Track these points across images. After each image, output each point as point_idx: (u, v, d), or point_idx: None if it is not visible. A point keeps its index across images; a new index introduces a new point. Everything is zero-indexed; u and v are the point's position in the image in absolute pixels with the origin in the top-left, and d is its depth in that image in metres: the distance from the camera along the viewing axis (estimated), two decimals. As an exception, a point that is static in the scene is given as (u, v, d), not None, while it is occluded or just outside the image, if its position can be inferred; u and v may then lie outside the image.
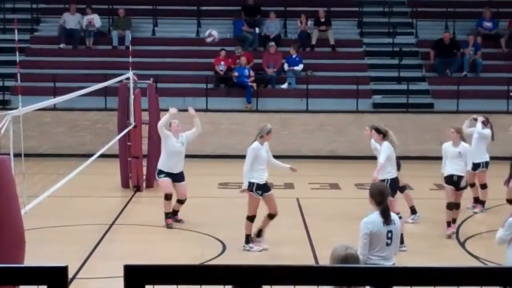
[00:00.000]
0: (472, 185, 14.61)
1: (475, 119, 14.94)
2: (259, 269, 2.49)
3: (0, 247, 7.15)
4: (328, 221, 14.42)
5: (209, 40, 13.81)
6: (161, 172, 13.71)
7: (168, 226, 13.49)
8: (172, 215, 13.67)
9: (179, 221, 13.83)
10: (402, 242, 12.01)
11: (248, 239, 12.18)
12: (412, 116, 21.86)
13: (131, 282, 2.43)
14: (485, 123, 14.80)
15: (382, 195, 7.76)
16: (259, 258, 11.63)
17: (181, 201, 13.82)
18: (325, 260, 11.01)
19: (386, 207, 7.75)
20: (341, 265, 4.61)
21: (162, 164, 13.69)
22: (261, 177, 12.24)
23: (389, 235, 7.70)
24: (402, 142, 21.09)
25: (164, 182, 13.67)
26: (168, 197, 13.58)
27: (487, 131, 14.74)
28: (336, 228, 13.92)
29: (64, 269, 2.43)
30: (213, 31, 14.54)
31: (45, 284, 2.44)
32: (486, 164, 14.67)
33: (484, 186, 14.79)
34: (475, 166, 14.17)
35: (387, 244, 7.70)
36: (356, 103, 21.86)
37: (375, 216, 7.72)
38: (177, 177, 13.70)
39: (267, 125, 12.58)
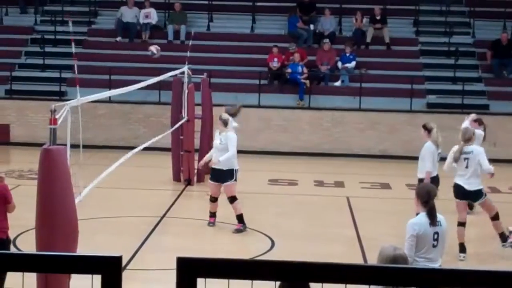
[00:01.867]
0: None
1: (475, 121, 14.75)
2: (308, 266, 2.50)
3: (54, 236, 7.29)
4: (378, 221, 14.34)
5: (150, 54, 13.52)
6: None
7: (210, 224, 13.39)
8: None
9: (211, 223, 13.42)
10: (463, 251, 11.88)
11: None
12: (466, 117, 21.58)
13: (183, 274, 2.46)
14: (479, 124, 14.58)
15: (429, 195, 7.69)
16: (308, 256, 11.62)
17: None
18: (373, 260, 10.98)
19: (432, 208, 7.67)
20: (392, 265, 4.59)
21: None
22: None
23: (436, 236, 7.62)
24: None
25: (209, 185, 13.48)
26: (212, 199, 13.37)
27: (479, 132, 14.57)
28: (386, 228, 13.83)
29: (118, 259, 2.47)
30: (153, 47, 14.07)
31: (99, 273, 2.49)
32: None
33: None
34: None
35: (434, 246, 7.61)
36: (410, 103, 21.68)
37: (422, 217, 7.65)
38: (219, 176, 13.16)
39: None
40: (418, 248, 7.59)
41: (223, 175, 13.05)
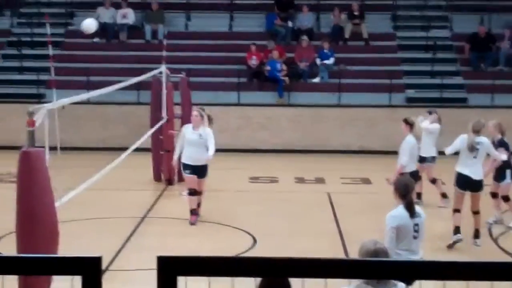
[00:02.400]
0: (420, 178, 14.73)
1: (430, 113, 14.94)
2: (290, 262, 2.50)
3: (34, 238, 7.25)
4: (359, 216, 14.39)
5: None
6: (184, 166, 13.49)
7: (191, 223, 13.40)
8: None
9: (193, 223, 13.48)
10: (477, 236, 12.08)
11: None
12: (445, 111, 21.59)
13: (164, 273, 2.45)
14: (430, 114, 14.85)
15: (406, 189, 7.76)
16: (291, 252, 11.63)
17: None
18: (355, 255, 11.02)
19: (410, 201, 7.74)
20: (372, 259, 4.60)
21: (184, 156, 13.45)
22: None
23: (416, 227, 7.70)
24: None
25: (187, 178, 13.51)
26: (191, 193, 13.45)
27: (435, 126, 14.75)
28: (367, 223, 13.87)
29: (98, 260, 2.46)
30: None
31: (80, 274, 2.47)
32: (433, 159, 14.70)
33: (433, 181, 14.84)
34: (422, 160, 14.28)
35: (414, 238, 7.69)
36: (389, 98, 21.76)
37: (401, 210, 7.72)
38: (198, 171, 13.34)
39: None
40: (399, 240, 7.66)
41: (204, 171, 13.26)
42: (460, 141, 11.91)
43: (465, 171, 11.82)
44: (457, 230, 11.94)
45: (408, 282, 5.15)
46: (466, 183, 11.91)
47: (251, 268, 2.49)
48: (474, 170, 11.84)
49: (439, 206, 14.45)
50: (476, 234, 12.08)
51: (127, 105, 21.69)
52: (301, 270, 2.52)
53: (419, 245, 7.79)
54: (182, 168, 13.71)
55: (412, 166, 12.23)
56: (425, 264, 2.49)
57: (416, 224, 7.70)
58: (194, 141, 13.25)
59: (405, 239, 7.66)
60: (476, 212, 12.05)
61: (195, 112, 13.58)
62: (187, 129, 13.54)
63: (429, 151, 14.60)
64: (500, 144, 12.80)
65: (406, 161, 12.05)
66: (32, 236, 7.24)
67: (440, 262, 2.45)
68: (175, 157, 13.77)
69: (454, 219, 12.01)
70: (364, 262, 2.72)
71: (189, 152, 13.31)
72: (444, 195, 14.67)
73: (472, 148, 11.76)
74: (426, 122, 14.75)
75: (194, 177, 13.32)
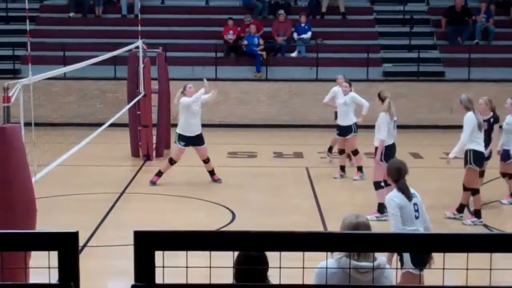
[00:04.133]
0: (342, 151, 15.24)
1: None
2: (268, 235, 2.50)
3: (11, 214, 7.20)
4: (338, 191, 14.45)
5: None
6: (181, 137, 14.15)
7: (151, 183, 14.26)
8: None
9: (217, 180, 14.58)
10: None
11: None
12: (423, 85, 21.78)
13: (141, 248, 2.44)
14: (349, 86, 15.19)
15: (399, 173, 7.72)
16: (269, 227, 11.66)
17: (205, 161, 14.50)
18: (333, 229, 11.05)
19: (403, 184, 7.68)
20: (350, 231, 4.61)
21: (183, 128, 14.13)
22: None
23: (416, 207, 7.65)
24: (412, 111, 21.15)
25: (180, 150, 14.30)
26: (172, 162, 14.35)
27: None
28: (346, 198, 13.95)
29: (75, 235, 2.45)
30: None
31: (56, 249, 2.45)
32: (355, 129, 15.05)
33: (355, 152, 15.11)
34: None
35: (416, 217, 7.63)
36: (367, 72, 21.77)
37: (396, 193, 7.69)
38: (197, 141, 14.27)
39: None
40: (403, 222, 7.57)
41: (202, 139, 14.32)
42: (470, 121, 11.74)
43: (480, 148, 11.82)
44: (479, 213, 11.88)
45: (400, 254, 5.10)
46: (483, 160, 11.96)
47: (228, 242, 2.49)
48: (482, 147, 11.91)
49: None
50: (461, 208, 12.11)
51: (104, 80, 21.55)
52: (279, 244, 2.52)
53: (421, 225, 7.67)
54: (177, 139, 14.33)
55: (389, 140, 12.24)
56: (404, 237, 2.50)
57: (415, 204, 7.66)
58: (197, 112, 14.20)
59: (407, 220, 7.59)
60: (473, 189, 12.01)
61: (189, 84, 14.53)
62: (188, 100, 14.13)
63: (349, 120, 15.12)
64: (496, 121, 12.79)
65: (385, 136, 12.05)
66: (9, 213, 7.19)
67: (418, 234, 2.46)
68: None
69: (476, 200, 11.88)
70: (342, 235, 2.73)
71: (190, 124, 14.14)
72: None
73: (481, 126, 11.78)
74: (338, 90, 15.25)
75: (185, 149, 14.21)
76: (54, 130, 17.78)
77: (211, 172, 14.63)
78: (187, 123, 14.16)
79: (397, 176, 7.73)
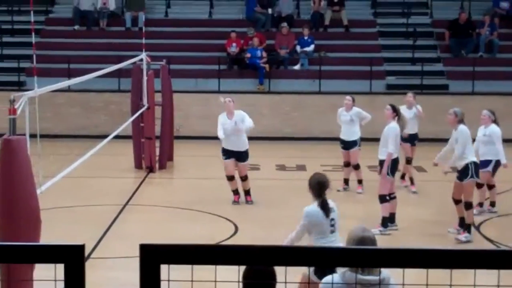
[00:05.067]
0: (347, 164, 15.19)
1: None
2: (273, 250, 2.51)
3: (16, 225, 7.23)
4: (341, 204, 14.38)
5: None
6: (223, 151, 13.89)
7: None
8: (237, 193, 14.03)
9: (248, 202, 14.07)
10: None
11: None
12: (426, 98, 21.72)
13: (147, 262, 2.46)
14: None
15: (320, 187, 7.84)
16: (272, 240, 11.66)
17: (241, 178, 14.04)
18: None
19: (324, 200, 7.81)
20: (355, 246, 4.63)
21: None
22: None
23: (332, 222, 7.84)
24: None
25: (224, 163, 13.93)
26: (228, 178, 13.90)
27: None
28: (349, 210, 13.92)
29: (81, 248, 2.46)
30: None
31: (62, 262, 2.47)
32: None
33: (357, 166, 15.06)
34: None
35: (332, 232, 7.84)
36: (370, 85, 21.80)
37: (316, 207, 7.82)
38: (238, 156, 13.81)
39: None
40: (316, 234, 7.79)
41: (242, 156, 13.82)
42: (467, 134, 11.78)
43: (477, 160, 11.88)
44: (470, 228, 11.85)
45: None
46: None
47: (234, 256, 2.50)
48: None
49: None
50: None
51: (108, 93, 21.60)
52: (284, 259, 2.53)
53: (337, 237, 7.87)
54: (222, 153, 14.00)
55: (395, 154, 12.23)
56: (409, 252, 2.51)
57: (332, 219, 7.83)
58: (231, 130, 13.63)
59: (323, 234, 7.77)
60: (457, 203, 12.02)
61: (228, 98, 14.05)
62: (222, 118, 13.78)
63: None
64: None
65: (393, 149, 12.02)
66: (14, 224, 7.22)
67: (424, 249, 2.47)
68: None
69: (471, 214, 11.82)
70: (348, 250, 2.74)
71: (227, 140, 13.70)
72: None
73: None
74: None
75: (232, 161, 13.71)
76: (58, 142, 17.86)
77: (246, 192, 14.18)
78: (224, 138, 13.82)
79: (318, 189, 7.82)
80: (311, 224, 7.81)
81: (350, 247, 4.04)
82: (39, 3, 24.45)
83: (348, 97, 15.27)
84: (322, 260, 2.55)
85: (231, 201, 14.21)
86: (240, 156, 13.74)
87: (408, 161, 15.04)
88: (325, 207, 7.77)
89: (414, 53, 23.04)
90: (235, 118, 13.65)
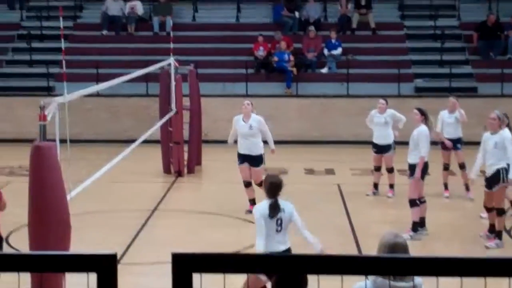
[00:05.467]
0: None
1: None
2: (305, 258, 2.50)
3: (46, 231, 7.28)
4: (370, 208, 14.38)
5: None
6: (237, 155, 13.70)
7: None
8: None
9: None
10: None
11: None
12: (454, 100, 21.60)
13: (179, 270, 2.46)
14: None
15: (272, 188, 8.00)
16: (301, 245, 11.61)
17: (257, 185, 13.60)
18: (366, 248, 11.00)
19: (275, 202, 7.98)
20: (388, 255, 4.60)
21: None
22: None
23: (279, 222, 8.02)
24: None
25: (239, 168, 13.71)
26: (244, 183, 13.64)
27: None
28: (378, 215, 13.87)
29: (113, 257, 2.47)
30: None
31: (95, 271, 2.48)
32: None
33: (391, 170, 14.93)
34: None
35: (277, 231, 8.00)
36: (398, 87, 21.69)
37: (265, 205, 8.01)
38: (251, 161, 13.53)
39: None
40: (265, 233, 7.95)
41: (255, 160, 13.46)
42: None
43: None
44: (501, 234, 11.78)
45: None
46: None
47: (266, 265, 2.50)
48: None
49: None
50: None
51: (136, 97, 21.70)
52: (315, 267, 2.52)
53: (285, 236, 8.07)
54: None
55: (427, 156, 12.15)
56: (438, 260, 2.48)
57: (279, 219, 8.00)
58: (245, 133, 13.47)
59: (268, 232, 7.96)
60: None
61: (246, 101, 13.92)
62: (238, 121, 13.67)
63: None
64: None
65: (426, 152, 11.94)
66: (45, 230, 7.27)
67: (454, 258, 2.45)
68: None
69: (502, 220, 11.70)
70: (379, 259, 2.72)
71: (240, 143, 13.54)
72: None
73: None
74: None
75: (246, 166, 13.47)
76: (87, 147, 17.96)
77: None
78: (238, 141, 13.69)
79: (271, 192, 8.01)
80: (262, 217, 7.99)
81: (383, 255, 4.02)
82: (68, 9, 24.67)
83: (381, 100, 15.13)
84: (354, 268, 2.54)
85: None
86: (253, 161, 13.48)
87: (461, 166, 14.71)
88: (273, 207, 7.95)
89: (442, 55, 22.90)
90: (250, 122, 13.55)
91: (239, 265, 2.48)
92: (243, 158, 13.53)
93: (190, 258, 2.48)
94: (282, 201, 8.10)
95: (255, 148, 13.47)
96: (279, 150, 13.78)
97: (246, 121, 13.50)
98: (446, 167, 14.81)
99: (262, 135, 13.60)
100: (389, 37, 24.02)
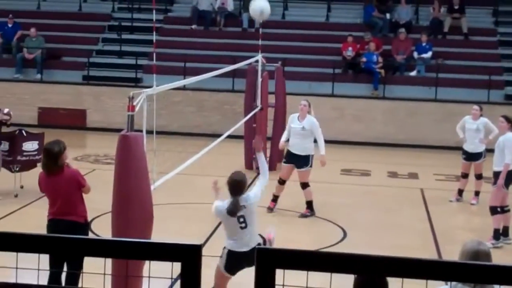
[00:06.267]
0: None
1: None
2: (389, 260, 2.47)
3: (129, 220, 7.40)
4: (453, 214, 14.15)
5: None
6: (285, 153, 13.68)
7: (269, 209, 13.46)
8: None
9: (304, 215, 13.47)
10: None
11: None
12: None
13: (263, 265, 2.46)
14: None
15: (236, 187, 7.94)
16: (380, 248, 11.52)
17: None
18: (447, 253, 10.83)
19: (235, 201, 7.89)
20: (471, 261, 4.51)
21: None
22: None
23: (241, 219, 7.93)
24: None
25: (282, 167, 13.67)
26: (279, 181, 13.56)
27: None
28: (461, 222, 13.65)
29: (199, 248, 2.49)
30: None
31: (180, 261, 2.50)
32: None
33: (480, 176, 14.51)
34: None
35: (242, 228, 7.92)
36: (488, 94, 21.26)
37: (221, 205, 7.96)
38: (297, 161, 13.37)
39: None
40: (225, 231, 8.01)
41: (301, 161, 13.18)
42: None
43: None
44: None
45: None
46: None
47: (350, 265, 2.48)
48: None
49: None
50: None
51: (222, 92, 21.87)
52: (398, 270, 2.49)
53: (252, 233, 7.96)
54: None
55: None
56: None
57: (241, 216, 7.90)
58: (297, 133, 13.35)
59: (230, 231, 7.95)
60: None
61: (303, 101, 13.71)
62: (293, 119, 13.62)
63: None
64: None
65: (511, 159, 11.71)
66: (127, 219, 7.39)
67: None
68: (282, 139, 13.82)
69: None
70: (463, 265, 2.66)
71: (291, 142, 13.43)
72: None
73: None
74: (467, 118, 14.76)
75: (289, 166, 13.32)
76: (173, 139, 18.18)
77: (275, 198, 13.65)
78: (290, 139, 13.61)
79: (233, 189, 7.94)
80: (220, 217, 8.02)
81: (467, 262, 3.94)
82: (159, 1, 25.05)
83: (475, 106, 14.74)
84: (436, 273, 2.49)
85: (339, 205, 14.12)
86: (299, 161, 13.25)
87: None
88: (232, 206, 7.89)
89: (535, 63, 22.34)
90: (304, 123, 13.42)
91: (322, 263, 2.47)
92: (290, 158, 13.40)
93: (274, 253, 2.48)
94: (243, 197, 8.00)
95: (304, 148, 13.30)
96: (363, 151, 13.67)
97: (301, 121, 13.44)
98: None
99: (317, 138, 13.36)
100: (481, 43, 23.56)
